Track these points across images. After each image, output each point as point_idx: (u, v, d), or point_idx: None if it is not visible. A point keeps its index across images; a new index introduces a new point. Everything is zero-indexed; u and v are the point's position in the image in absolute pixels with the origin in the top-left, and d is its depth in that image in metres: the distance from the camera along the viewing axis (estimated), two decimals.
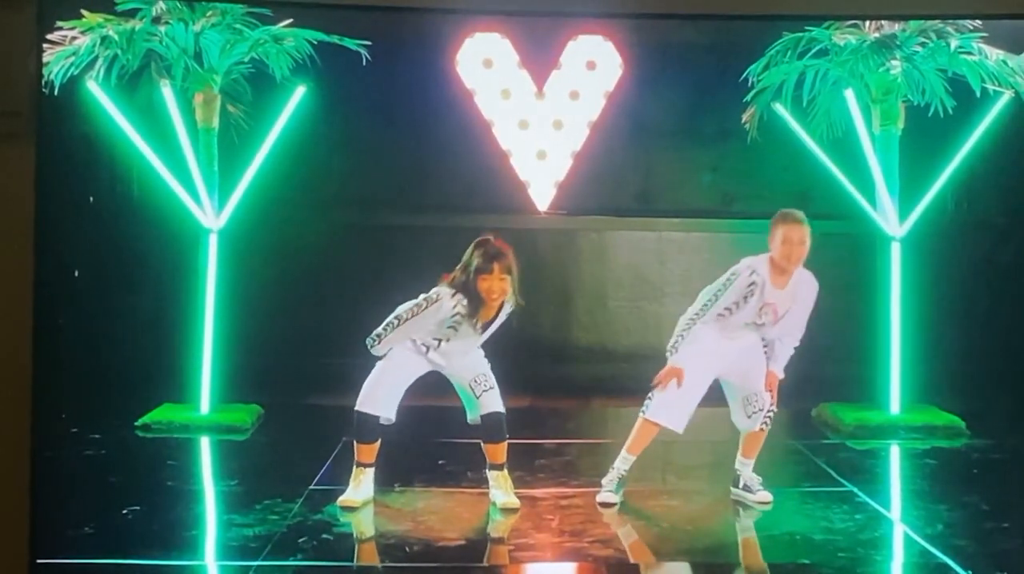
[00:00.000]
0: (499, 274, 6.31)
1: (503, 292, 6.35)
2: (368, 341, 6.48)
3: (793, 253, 6.49)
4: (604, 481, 6.84)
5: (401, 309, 6.44)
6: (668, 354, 6.65)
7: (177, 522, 6.40)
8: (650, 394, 6.72)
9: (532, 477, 7.24)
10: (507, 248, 6.40)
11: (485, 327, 6.49)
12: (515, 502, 6.65)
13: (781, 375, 6.81)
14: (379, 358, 6.56)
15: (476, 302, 6.35)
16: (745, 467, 6.90)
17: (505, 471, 6.73)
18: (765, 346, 6.75)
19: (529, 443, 8.03)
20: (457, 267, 6.40)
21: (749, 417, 6.80)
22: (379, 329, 6.45)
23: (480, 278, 6.30)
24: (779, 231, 6.52)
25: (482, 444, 6.73)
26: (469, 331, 6.46)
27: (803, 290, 6.64)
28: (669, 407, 6.67)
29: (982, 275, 9.89)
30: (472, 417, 6.67)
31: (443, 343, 6.47)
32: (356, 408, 6.58)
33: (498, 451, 6.71)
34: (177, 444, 8.49)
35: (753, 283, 6.51)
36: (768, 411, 6.80)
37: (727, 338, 6.66)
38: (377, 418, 6.55)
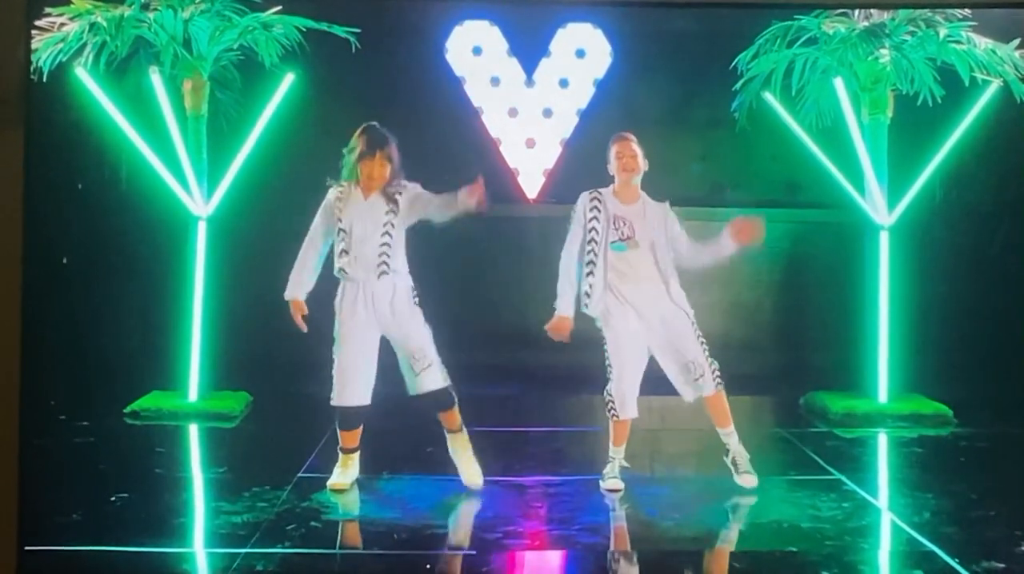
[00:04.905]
0: (380, 160, 6.56)
1: (382, 178, 6.58)
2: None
3: (625, 164, 6.86)
4: (605, 471, 6.87)
5: None
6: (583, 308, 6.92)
7: (165, 510, 6.40)
8: (608, 397, 6.82)
9: (520, 465, 7.25)
10: (391, 137, 6.63)
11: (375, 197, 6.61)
12: (478, 478, 6.72)
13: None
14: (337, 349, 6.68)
15: (355, 178, 6.63)
16: (729, 438, 6.88)
17: (464, 433, 6.76)
18: (688, 315, 6.81)
19: (517, 431, 8.05)
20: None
21: (695, 381, 6.79)
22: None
23: (362, 162, 6.57)
24: (612, 151, 6.93)
25: (437, 414, 6.78)
26: (358, 205, 6.61)
27: (651, 210, 6.87)
28: (623, 402, 6.79)
29: (971, 264, 9.90)
30: (412, 392, 6.68)
31: (348, 237, 6.57)
32: (332, 403, 6.66)
33: (451, 417, 6.75)
34: (166, 432, 8.49)
35: (594, 200, 6.87)
36: (715, 374, 6.79)
37: (638, 296, 6.77)
38: (355, 408, 6.61)
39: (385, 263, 6.56)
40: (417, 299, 6.67)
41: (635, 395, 6.81)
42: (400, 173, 6.68)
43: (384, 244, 6.55)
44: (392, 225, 6.58)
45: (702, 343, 6.81)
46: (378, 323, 6.61)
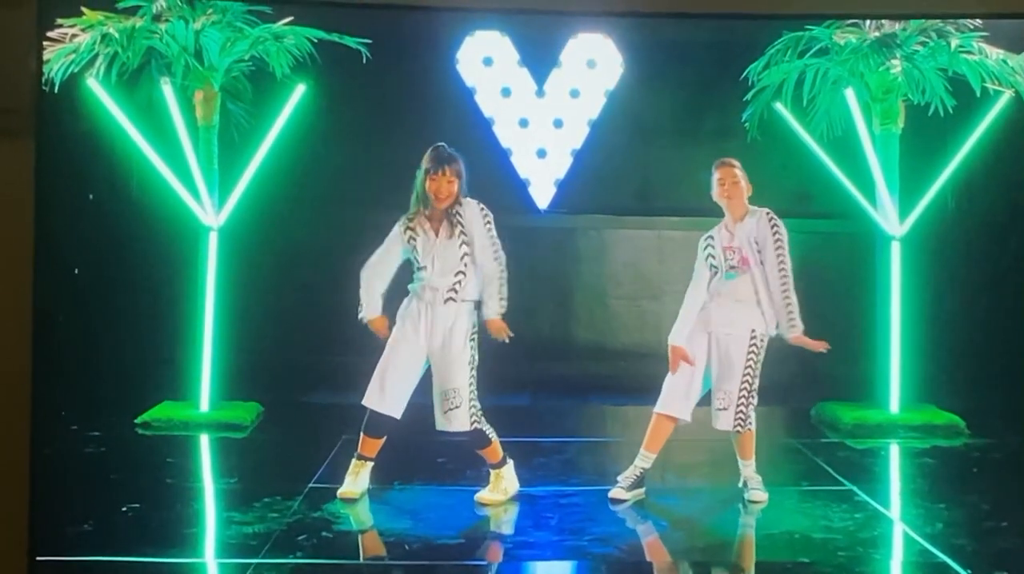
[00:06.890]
0: (448, 176, 6.46)
1: (450, 195, 6.48)
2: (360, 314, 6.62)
3: (726, 191, 6.84)
4: (620, 478, 6.84)
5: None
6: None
7: (176, 520, 6.40)
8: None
9: (531, 475, 7.22)
10: (458, 155, 6.55)
11: (442, 224, 6.52)
12: (493, 497, 6.70)
13: (800, 328, 6.88)
14: (383, 353, 6.59)
15: (424, 202, 6.52)
16: (746, 468, 6.88)
17: (500, 470, 6.75)
18: (754, 338, 6.76)
19: (528, 441, 8.03)
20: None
21: (716, 411, 6.77)
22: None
23: (429, 179, 6.47)
24: (714, 177, 6.88)
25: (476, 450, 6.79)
26: (434, 245, 6.52)
27: (756, 224, 6.83)
28: (674, 396, 6.77)
29: (982, 274, 9.88)
30: (437, 426, 6.63)
31: (426, 272, 6.51)
32: (364, 403, 6.60)
33: (488, 454, 6.74)
34: (177, 442, 8.49)
35: (707, 241, 6.89)
36: (738, 412, 6.71)
37: (718, 313, 6.78)
38: (389, 417, 6.58)
39: (454, 292, 6.52)
40: (474, 340, 6.58)
41: (680, 395, 6.77)
42: (465, 191, 6.61)
43: (459, 276, 6.51)
44: (469, 259, 6.52)
45: (747, 379, 6.73)
46: (427, 348, 6.56)
